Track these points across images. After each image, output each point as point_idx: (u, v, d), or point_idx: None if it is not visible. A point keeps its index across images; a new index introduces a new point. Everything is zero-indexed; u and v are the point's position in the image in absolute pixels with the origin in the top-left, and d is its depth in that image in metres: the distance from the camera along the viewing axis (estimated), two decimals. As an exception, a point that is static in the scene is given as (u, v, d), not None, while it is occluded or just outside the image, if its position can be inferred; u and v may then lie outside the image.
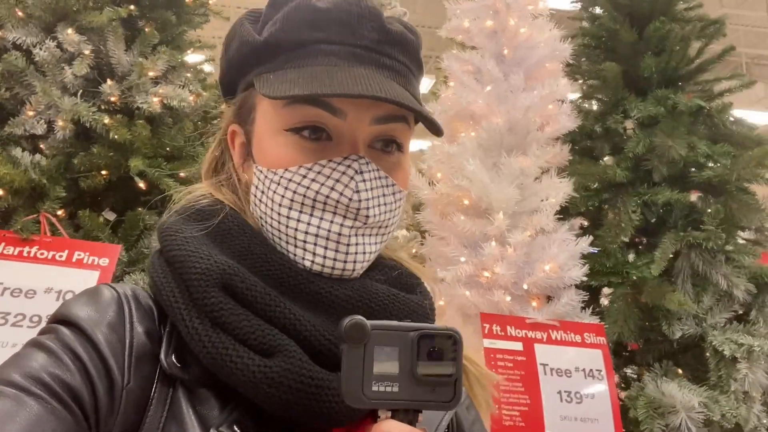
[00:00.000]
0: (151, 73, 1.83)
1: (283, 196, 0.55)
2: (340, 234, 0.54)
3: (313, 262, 0.55)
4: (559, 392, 1.88)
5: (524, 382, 1.87)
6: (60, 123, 1.71)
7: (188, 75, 2.18)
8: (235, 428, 0.49)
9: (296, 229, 0.55)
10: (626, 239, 2.15)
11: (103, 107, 1.87)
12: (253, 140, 0.59)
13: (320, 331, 0.52)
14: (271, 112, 0.56)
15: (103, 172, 1.81)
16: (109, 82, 1.86)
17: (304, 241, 0.55)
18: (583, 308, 2.13)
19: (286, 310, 0.52)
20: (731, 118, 2.33)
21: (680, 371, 2.12)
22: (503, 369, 1.89)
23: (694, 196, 2.19)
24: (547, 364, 1.93)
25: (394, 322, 0.44)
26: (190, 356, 0.51)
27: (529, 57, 2.25)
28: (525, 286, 2.03)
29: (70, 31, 1.80)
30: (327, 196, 0.54)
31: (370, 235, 0.56)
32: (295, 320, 0.51)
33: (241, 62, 0.60)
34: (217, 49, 2.50)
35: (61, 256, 1.55)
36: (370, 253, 0.57)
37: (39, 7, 1.85)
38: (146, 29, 2.02)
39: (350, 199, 0.54)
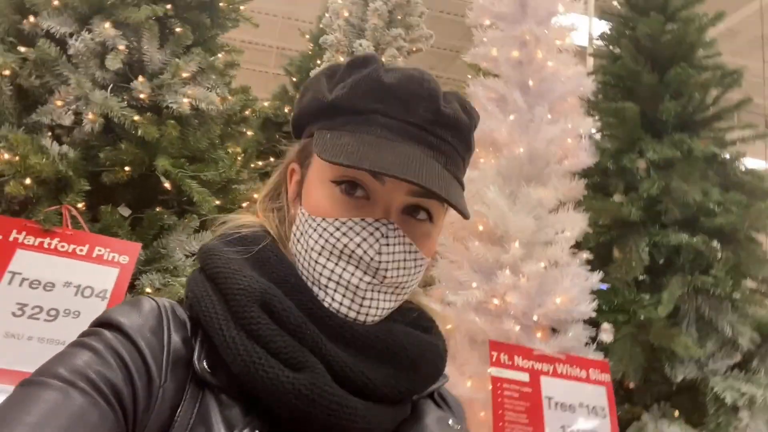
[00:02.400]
0: (184, 74, 1.83)
1: (316, 242, 0.60)
2: (357, 287, 0.58)
3: (330, 305, 0.59)
4: (563, 427, 1.88)
5: (529, 414, 1.88)
6: (90, 116, 1.70)
7: (214, 77, 2.18)
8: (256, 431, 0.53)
9: (321, 273, 0.59)
10: (635, 278, 2.17)
11: (132, 103, 1.86)
12: (305, 183, 0.64)
13: (342, 359, 0.55)
14: (322, 163, 0.61)
15: (127, 169, 1.80)
16: (140, 78, 1.86)
17: (326, 285, 0.59)
18: (587, 344, 2.14)
19: (315, 334, 0.56)
20: (743, 167, 2.38)
21: (677, 414, 2.14)
22: (509, 399, 1.89)
23: (701, 241, 2.22)
24: (552, 398, 1.93)
25: None
26: (219, 365, 0.55)
27: (553, 90, 2.28)
28: (535, 317, 2.04)
29: (107, 24, 1.80)
30: (352, 251, 0.58)
31: (386, 293, 0.60)
32: (321, 344, 0.55)
33: (310, 113, 0.65)
34: (244, 54, 2.51)
35: (81, 250, 1.53)
36: (383, 309, 0.60)
37: (76, -3, 1.85)
38: (178, 29, 2.03)
39: (371, 258, 0.58)
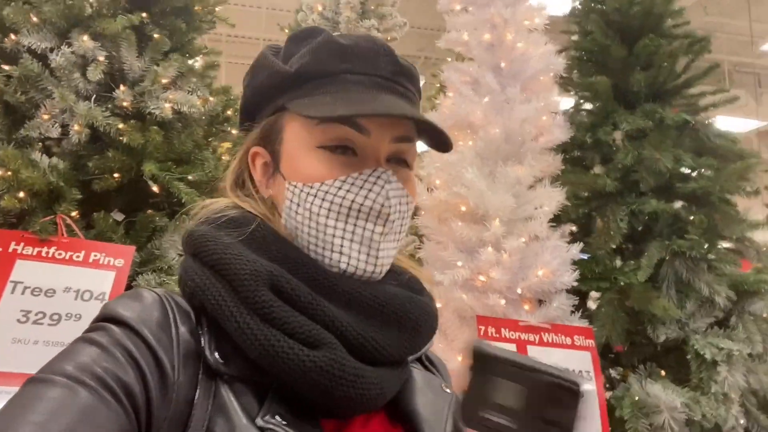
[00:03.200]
0: (164, 80, 1.89)
1: (320, 207, 0.61)
2: (371, 239, 0.61)
3: (348, 264, 0.61)
4: None
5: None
6: (76, 127, 1.77)
7: (194, 80, 2.24)
8: (277, 417, 0.53)
9: (333, 236, 0.61)
10: (614, 246, 2.26)
11: (116, 112, 1.93)
12: (282, 159, 0.65)
13: (354, 328, 0.57)
14: (302, 132, 0.63)
15: (116, 175, 1.87)
16: (122, 87, 1.92)
17: (341, 245, 0.61)
18: (573, 312, 2.23)
19: (326, 308, 0.57)
20: (715, 132, 2.45)
21: (663, 373, 2.23)
22: (498, 369, 1.98)
23: (678, 206, 2.29)
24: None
25: (520, 358, 0.46)
26: (229, 354, 0.55)
27: (525, 70, 2.34)
28: (519, 291, 2.12)
29: (85, 37, 1.86)
30: (362, 204, 0.60)
31: (392, 240, 0.64)
32: (333, 317, 0.57)
33: (270, 89, 0.66)
34: (231, 48, 2.56)
35: (78, 257, 1.60)
36: (390, 256, 0.64)
37: (53, 13, 1.90)
38: (155, 36, 2.08)
39: (382, 205, 0.60)
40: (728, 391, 1.90)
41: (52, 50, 1.89)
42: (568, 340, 2.11)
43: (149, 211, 1.94)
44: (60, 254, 1.60)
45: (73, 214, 1.77)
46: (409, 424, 0.63)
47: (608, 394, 2.17)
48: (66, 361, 0.50)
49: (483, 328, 2.03)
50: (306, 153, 0.62)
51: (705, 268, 2.14)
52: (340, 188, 0.60)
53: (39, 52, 1.90)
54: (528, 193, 2.21)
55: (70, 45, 1.90)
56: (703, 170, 2.25)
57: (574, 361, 2.06)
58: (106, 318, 0.55)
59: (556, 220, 2.33)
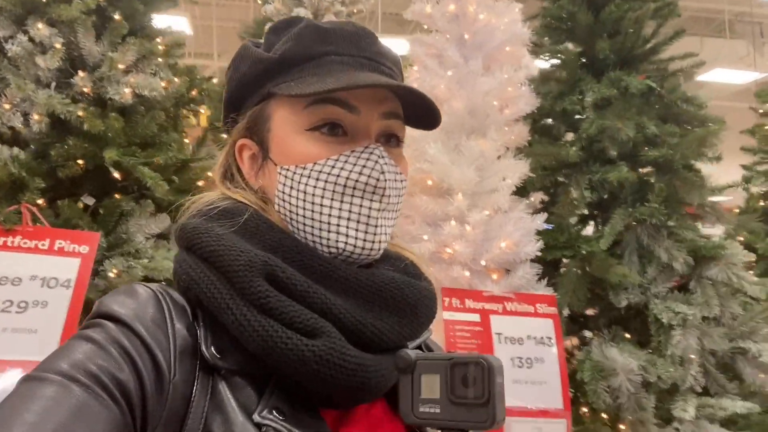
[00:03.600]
0: (120, 66, 1.90)
1: (315, 187, 0.61)
2: (369, 216, 0.61)
3: (346, 243, 0.60)
4: (512, 358, 2.05)
5: (479, 350, 2.04)
6: (35, 117, 1.79)
7: (160, 60, 2.24)
8: (275, 413, 0.53)
9: (330, 215, 0.61)
10: (578, 215, 2.30)
11: (76, 98, 1.94)
12: (271, 146, 0.65)
13: (352, 314, 0.57)
14: (290, 117, 0.63)
15: (80, 162, 1.90)
16: (80, 73, 1.93)
17: (338, 225, 0.60)
18: (539, 280, 2.29)
19: (323, 296, 0.56)
20: (683, 97, 2.46)
21: (628, 336, 2.31)
22: (461, 339, 2.05)
23: (635, 175, 2.32)
24: (501, 333, 2.09)
25: (436, 354, 0.50)
26: (226, 347, 0.55)
27: (489, 41, 2.34)
28: (483, 262, 2.18)
29: (40, 25, 1.86)
30: (356, 181, 0.60)
31: (388, 218, 0.63)
32: (331, 305, 0.56)
33: (255, 78, 0.66)
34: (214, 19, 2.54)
35: (43, 245, 1.65)
36: (387, 234, 0.63)
37: (9, 0, 1.90)
38: (116, 17, 2.08)
39: (378, 180, 0.60)
40: (683, 353, 1.97)
41: (8, 39, 1.90)
42: (531, 308, 2.17)
43: (116, 195, 1.98)
44: (25, 243, 1.65)
45: (39, 202, 1.81)
46: None
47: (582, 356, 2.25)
48: (61, 359, 0.50)
49: (447, 299, 2.10)
50: (296, 136, 0.62)
51: (665, 235, 2.19)
52: (333, 167, 0.60)
53: (-4, 40, 1.91)
54: (492, 166, 2.24)
55: (26, 33, 1.90)
56: (666, 138, 2.27)
57: (536, 328, 2.14)
58: (101, 315, 0.54)
59: (523, 191, 2.37)
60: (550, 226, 2.30)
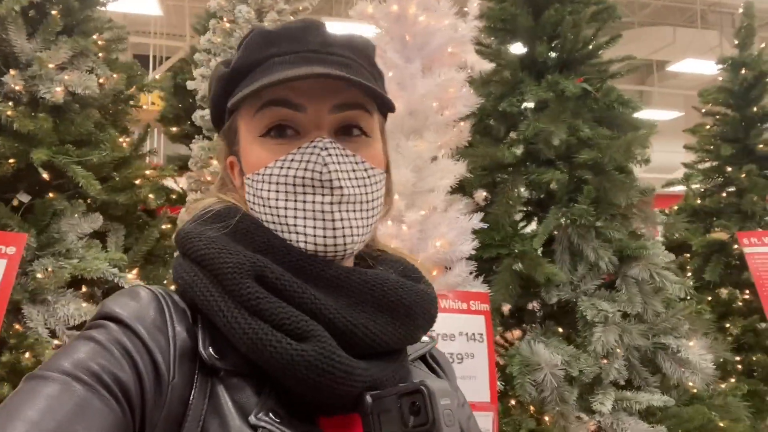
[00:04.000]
0: (51, 65, 1.89)
1: (269, 191, 0.61)
2: (322, 211, 0.59)
3: (306, 242, 0.60)
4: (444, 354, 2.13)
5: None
6: (-38, 116, 1.78)
7: (101, 56, 2.23)
8: (271, 415, 0.53)
9: (286, 216, 0.60)
10: (523, 213, 2.38)
11: (9, 96, 1.93)
12: (241, 158, 0.66)
13: (342, 314, 0.56)
14: (246, 127, 0.64)
15: (11, 161, 1.89)
16: (12, 72, 1.91)
17: (295, 224, 0.60)
18: (476, 277, 2.36)
19: (312, 296, 0.56)
20: (618, 100, 2.53)
21: (561, 331, 2.40)
22: (394, 335, 2.12)
23: (567, 176, 2.40)
24: (434, 330, 2.16)
25: (386, 390, 0.52)
26: (224, 348, 0.56)
27: (429, 43, 2.37)
28: (418, 261, 2.24)
29: (-33, 22, 1.84)
30: (302, 177, 0.59)
31: (353, 210, 0.61)
32: (321, 305, 0.56)
33: (220, 96, 0.68)
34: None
35: (-33, 247, 1.66)
36: (358, 228, 0.61)
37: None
38: (53, 13, 2.06)
39: (320, 173, 0.59)
40: (603, 349, 2.07)
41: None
42: (465, 305, 2.24)
43: (50, 194, 1.98)
44: (-51, 245, 1.65)
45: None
46: None
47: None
48: (63, 358, 0.51)
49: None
50: (251, 145, 0.63)
51: (593, 235, 2.28)
52: (282, 167, 0.60)
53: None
54: (430, 166, 2.29)
55: (-46, 30, 1.88)
56: (598, 141, 2.35)
57: (468, 324, 2.21)
58: (103, 316, 0.56)
59: (463, 190, 2.43)
60: (485, 225, 2.37)
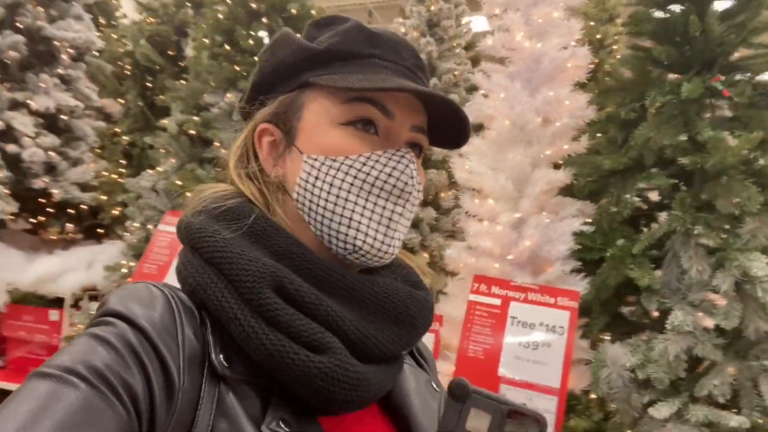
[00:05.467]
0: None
1: (343, 180, 0.61)
2: (390, 219, 0.61)
3: (364, 241, 0.61)
4: (520, 342, 2.43)
5: (493, 327, 2.49)
6: None
7: None
8: (282, 424, 0.54)
9: (353, 211, 0.61)
10: (618, 220, 2.46)
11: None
12: (299, 134, 0.64)
13: (356, 326, 0.58)
14: (326, 109, 0.63)
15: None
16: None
17: (359, 222, 0.61)
18: (583, 278, 2.54)
19: (329, 308, 0.57)
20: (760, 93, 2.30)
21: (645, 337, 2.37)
22: (479, 317, 2.53)
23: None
24: (516, 317, 2.48)
25: (491, 393, 0.51)
26: (232, 355, 0.55)
27: (539, 63, 2.65)
28: (510, 257, 2.58)
29: None
30: (385, 182, 0.60)
31: (404, 224, 0.64)
32: (336, 317, 0.57)
33: (294, 66, 0.66)
34: None
35: None
36: (400, 239, 0.64)
37: None
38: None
39: (406, 183, 0.61)
40: (660, 356, 2.05)
41: None
42: (552, 300, 2.48)
43: None
44: None
45: None
46: (402, 418, 0.65)
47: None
48: (68, 356, 0.49)
49: (477, 285, 2.59)
50: (329, 128, 0.63)
51: (693, 243, 2.20)
52: (365, 164, 0.61)
53: None
54: (530, 175, 2.59)
55: None
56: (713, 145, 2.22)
57: (551, 317, 2.45)
58: (110, 313, 0.54)
59: (571, 195, 2.63)
60: (587, 229, 2.51)
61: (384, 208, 0.62)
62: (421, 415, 0.66)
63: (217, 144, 3.16)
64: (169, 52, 4.51)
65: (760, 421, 1.98)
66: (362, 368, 0.57)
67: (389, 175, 0.61)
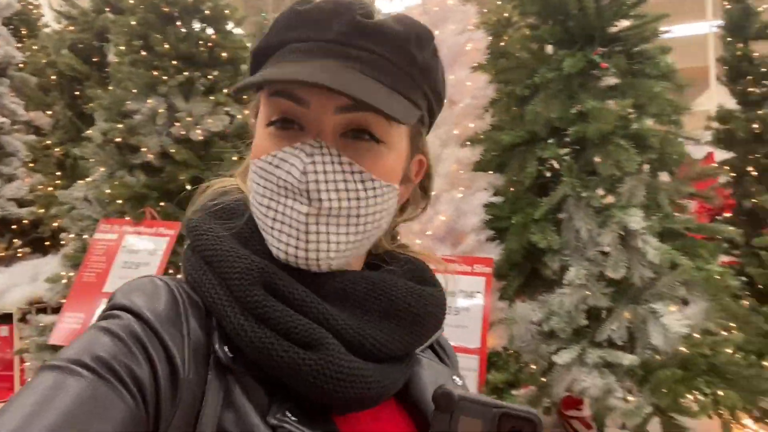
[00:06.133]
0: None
1: (258, 184, 0.59)
2: (297, 221, 0.56)
3: (278, 249, 0.57)
4: None
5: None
6: None
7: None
8: (288, 414, 0.53)
9: (266, 216, 0.58)
10: (521, 190, 2.68)
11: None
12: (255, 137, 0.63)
13: (350, 326, 0.56)
14: (262, 109, 0.61)
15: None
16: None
17: (272, 227, 0.57)
18: (493, 242, 2.75)
19: (320, 305, 0.55)
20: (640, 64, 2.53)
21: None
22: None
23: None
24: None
25: (480, 397, 0.49)
26: (237, 348, 0.55)
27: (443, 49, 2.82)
28: (429, 232, 2.77)
29: None
30: (285, 180, 0.56)
31: (335, 224, 0.57)
32: (328, 316, 0.55)
33: (253, 63, 0.64)
34: None
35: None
36: (337, 243, 0.57)
37: None
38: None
39: (298, 180, 0.55)
40: (559, 308, 2.30)
41: None
42: (469, 268, 2.70)
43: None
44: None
45: None
46: (421, 414, 0.63)
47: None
48: (75, 348, 0.50)
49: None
50: (260, 131, 0.61)
51: (583, 205, 2.44)
52: (270, 163, 0.58)
53: None
54: (440, 154, 2.78)
55: None
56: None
57: (469, 284, 2.66)
58: (118, 307, 0.55)
59: (480, 169, 2.83)
60: (495, 200, 2.72)
61: (292, 208, 0.57)
62: None
63: (144, 149, 3.23)
64: (94, 59, 4.50)
65: (658, 357, 2.23)
66: (361, 365, 0.55)
67: (288, 173, 0.56)
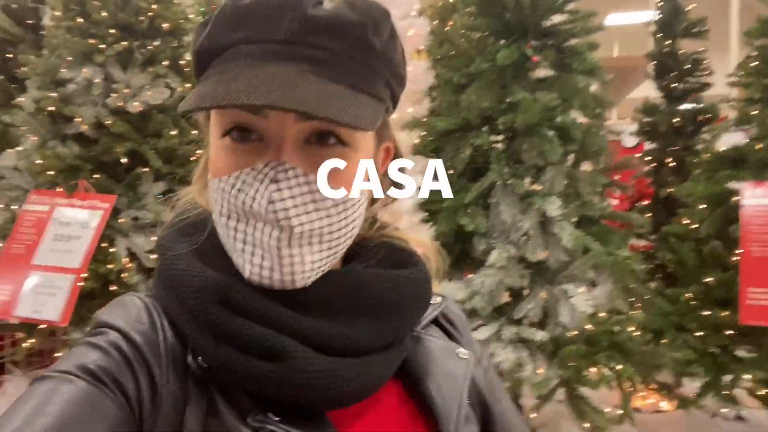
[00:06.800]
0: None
1: (222, 206, 0.56)
2: (269, 244, 0.54)
3: (251, 272, 0.55)
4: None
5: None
6: None
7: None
8: (270, 414, 0.53)
9: (235, 238, 0.56)
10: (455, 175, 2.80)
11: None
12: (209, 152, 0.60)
13: (317, 327, 0.55)
14: (213, 118, 0.57)
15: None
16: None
17: (243, 250, 0.55)
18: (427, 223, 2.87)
19: (284, 312, 0.54)
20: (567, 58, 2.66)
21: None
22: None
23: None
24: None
25: None
26: None
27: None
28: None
29: None
30: (251, 207, 0.54)
31: (308, 244, 0.55)
32: (291, 320, 0.54)
33: (197, 71, 0.59)
34: None
35: (84, 203, 2.94)
36: (312, 262, 0.56)
37: None
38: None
39: (266, 210, 0.53)
40: (480, 287, 2.45)
41: None
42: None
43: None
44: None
45: None
46: (420, 395, 0.63)
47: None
48: (65, 362, 0.52)
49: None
50: (215, 142, 0.57)
51: (509, 191, 2.58)
52: (233, 186, 0.55)
53: None
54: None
55: None
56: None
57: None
58: (101, 325, 0.57)
59: (417, 153, 2.93)
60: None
61: (262, 232, 0.54)
62: (439, 388, 0.63)
63: (78, 120, 3.16)
64: (28, 21, 4.30)
65: (568, 334, 2.41)
66: (334, 364, 0.54)
67: (253, 199, 0.54)
